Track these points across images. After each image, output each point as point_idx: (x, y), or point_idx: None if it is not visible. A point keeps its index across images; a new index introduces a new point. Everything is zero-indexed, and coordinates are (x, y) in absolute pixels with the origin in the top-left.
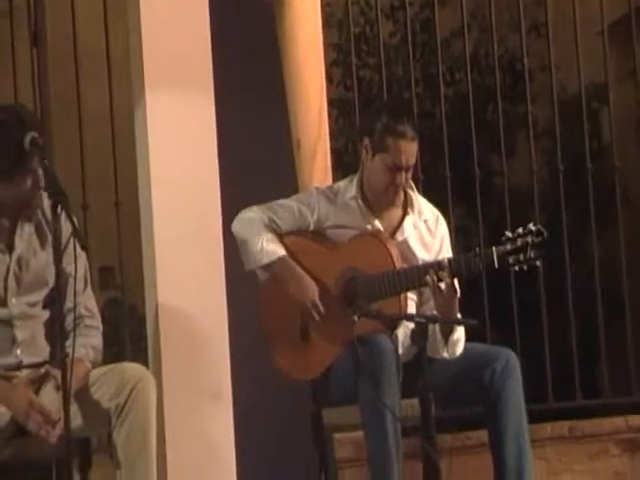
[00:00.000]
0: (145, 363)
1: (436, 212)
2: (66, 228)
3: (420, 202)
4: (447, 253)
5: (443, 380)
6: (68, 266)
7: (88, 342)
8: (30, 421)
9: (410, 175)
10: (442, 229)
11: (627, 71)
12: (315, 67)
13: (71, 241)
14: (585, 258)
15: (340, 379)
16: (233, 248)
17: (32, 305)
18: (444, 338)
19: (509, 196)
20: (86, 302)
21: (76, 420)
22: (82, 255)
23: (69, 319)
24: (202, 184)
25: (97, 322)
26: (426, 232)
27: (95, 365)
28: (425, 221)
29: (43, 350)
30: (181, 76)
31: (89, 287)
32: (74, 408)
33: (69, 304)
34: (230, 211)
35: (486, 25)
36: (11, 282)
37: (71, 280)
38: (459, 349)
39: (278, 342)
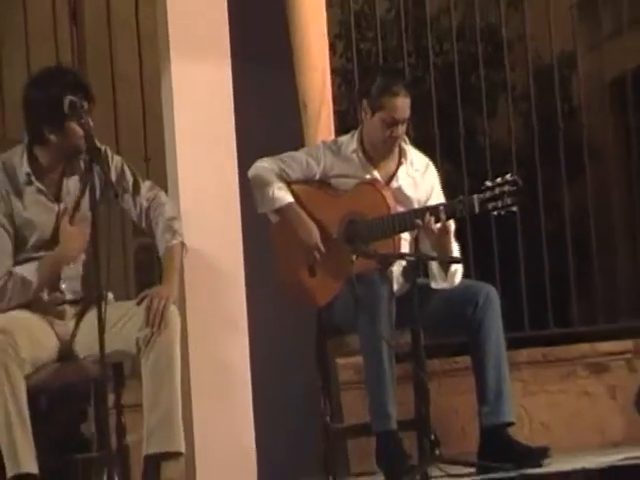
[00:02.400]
0: None
1: (426, 160)
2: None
3: (412, 153)
4: (438, 196)
5: (432, 311)
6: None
7: (164, 224)
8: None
9: (405, 128)
10: (432, 175)
11: (595, 41)
12: (320, 40)
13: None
14: (557, 205)
15: (341, 311)
16: (249, 194)
17: None
18: (444, 271)
19: (490, 152)
20: (143, 201)
21: (110, 347)
22: (126, 171)
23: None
24: (221, 140)
25: (154, 207)
26: (419, 178)
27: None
28: (417, 169)
29: (80, 283)
30: (202, 45)
31: (141, 185)
32: (108, 337)
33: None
34: (245, 162)
35: (470, 1)
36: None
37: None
38: (457, 279)
39: (290, 277)
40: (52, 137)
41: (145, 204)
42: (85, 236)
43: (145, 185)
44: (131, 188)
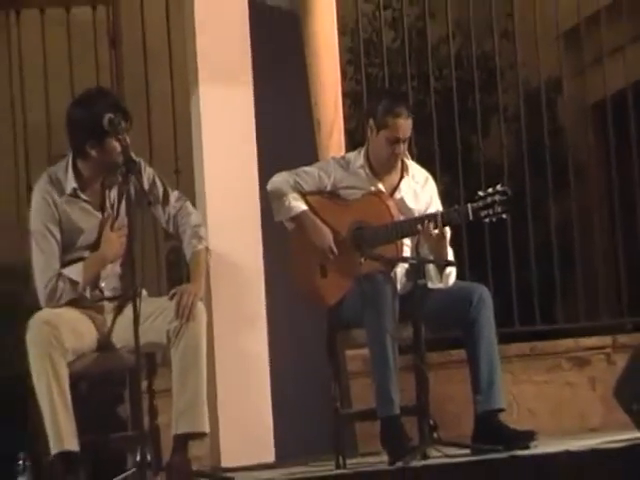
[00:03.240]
0: None
1: (426, 174)
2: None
3: (414, 167)
4: (436, 206)
5: (431, 309)
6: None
7: (191, 231)
8: None
9: (406, 146)
10: (431, 187)
11: (578, 68)
12: (332, 64)
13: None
14: (544, 215)
15: (350, 307)
16: (268, 203)
17: None
18: (439, 273)
19: (484, 167)
20: (170, 209)
21: (144, 338)
22: (157, 181)
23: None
24: (243, 155)
25: (183, 215)
26: (419, 190)
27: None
28: (417, 182)
29: (118, 282)
30: (227, 71)
31: (170, 194)
32: (142, 329)
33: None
34: (265, 175)
35: (467, 32)
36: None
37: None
38: (451, 280)
39: (304, 278)
40: (93, 152)
41: (173, 212)
42: (122, 241)
43: (174, 195)
44: (161, 197)
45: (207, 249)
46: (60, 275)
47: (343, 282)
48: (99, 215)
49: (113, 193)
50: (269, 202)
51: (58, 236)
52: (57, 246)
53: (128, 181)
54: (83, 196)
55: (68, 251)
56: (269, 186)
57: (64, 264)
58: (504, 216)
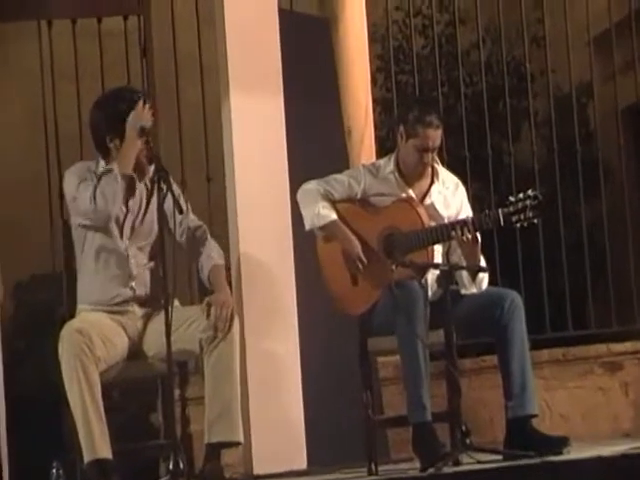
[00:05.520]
0: None
1: (456, 180)
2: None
3: (444, 173)
4: (466, 212)
5: (462, 315)
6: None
7: (209, 251)
8: None
9: (435, 155)
10: (461, 193)
11: (608, 73)
12: (362, 72)
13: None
14: (575, 219)
15: (381, 314)
16: (298, 212)
17: (140, 249)
18: (472, 278)
19: (515, 172)
20: (190, 223)
21: (175, 346)
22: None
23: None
24: (274, 162)
25: (202, 232)
26: (449, 196)
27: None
28: (448, 187)
29: (148, 287)
30: (257, 78)
31: (190, 213)
32: (174, 337)
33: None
34: (296, 182)
35: (497, 38)
36: (127, 229)
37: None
38: (484, 286)
39: (334, 286)
40: (112, 146)
41: (192, 225)
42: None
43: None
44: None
45: (224, 266)
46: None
47: (374, 290)
48: (124, 208)
49: (140, 191)
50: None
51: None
52: (115, 188)
53: (160, 189)
54: (115, 170)
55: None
56: (299, 194)
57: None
58: (535, 221)
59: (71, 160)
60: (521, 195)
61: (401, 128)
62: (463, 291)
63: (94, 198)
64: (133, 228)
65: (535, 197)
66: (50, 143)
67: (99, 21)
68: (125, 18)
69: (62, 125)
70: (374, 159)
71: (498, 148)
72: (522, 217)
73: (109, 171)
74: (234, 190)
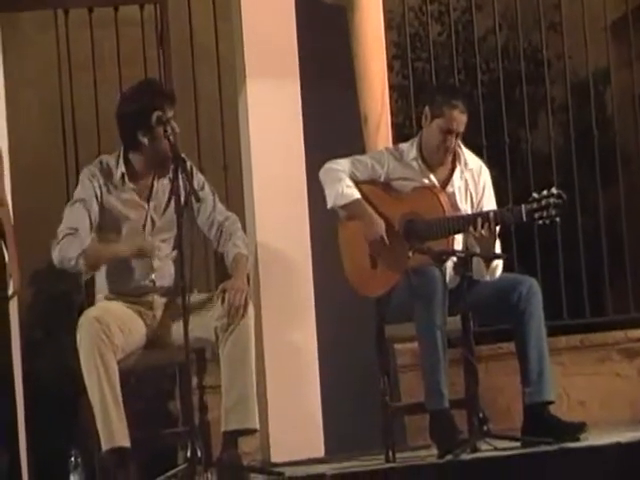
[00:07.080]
0: None
1: (480, 162)
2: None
3: (466, 155)
4: (489, 198)
5: (480, 301)
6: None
7: (235, 240)
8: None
9: (459, 140)
10: (485, 176)
11: (625, 58)
12: (379, 59)
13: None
14: (593, 205)
15: (398, 300)
16: (315, 196)
17: (163, 241)
18: (486, 266)
19: (532, 159)
20: (217, 216)
21: (193, 334)
22: (207, 188)
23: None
24: (290, 150)
25: (231, 222)
26: (471, 180)
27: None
28: (470, 170)
29: (170, 278)
30: (274, 67)
31: (218, 203)
32: (192, 325)
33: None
34: (312, 169)
35: (514, 24)
36: (148, 225)
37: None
38: (498, 273)
39: (353, 268)
40: (145, 140)
41: (220, 218)
42: (157, 245)
43: (221, 205)
44: (210, 202)
45: (247, 258)
46: (72, 234)
47: (392, 274)
48: (145, 205)
49: (162, 186)
50: (317, 194)
51: (93, 211)
52: (88, 219)
53: (177, 178)
54: (131, 184)
55: (115, 239)
56: (322, 172)
57: None
58: (557, 219)
59: (88, 149)
60: (545, 192)
61: (426, 109)
62: (475, 277)
63: (62, 238)
64: (154, 223)
65: (559, 196)
66: (67, 132)
67: (116, 9)
68: (142, 6)
69: (79, 114)
70: (390, 146)
71: (515, 135)
72: (545, 214)
73: (122, 184)
74: (251, 178)
